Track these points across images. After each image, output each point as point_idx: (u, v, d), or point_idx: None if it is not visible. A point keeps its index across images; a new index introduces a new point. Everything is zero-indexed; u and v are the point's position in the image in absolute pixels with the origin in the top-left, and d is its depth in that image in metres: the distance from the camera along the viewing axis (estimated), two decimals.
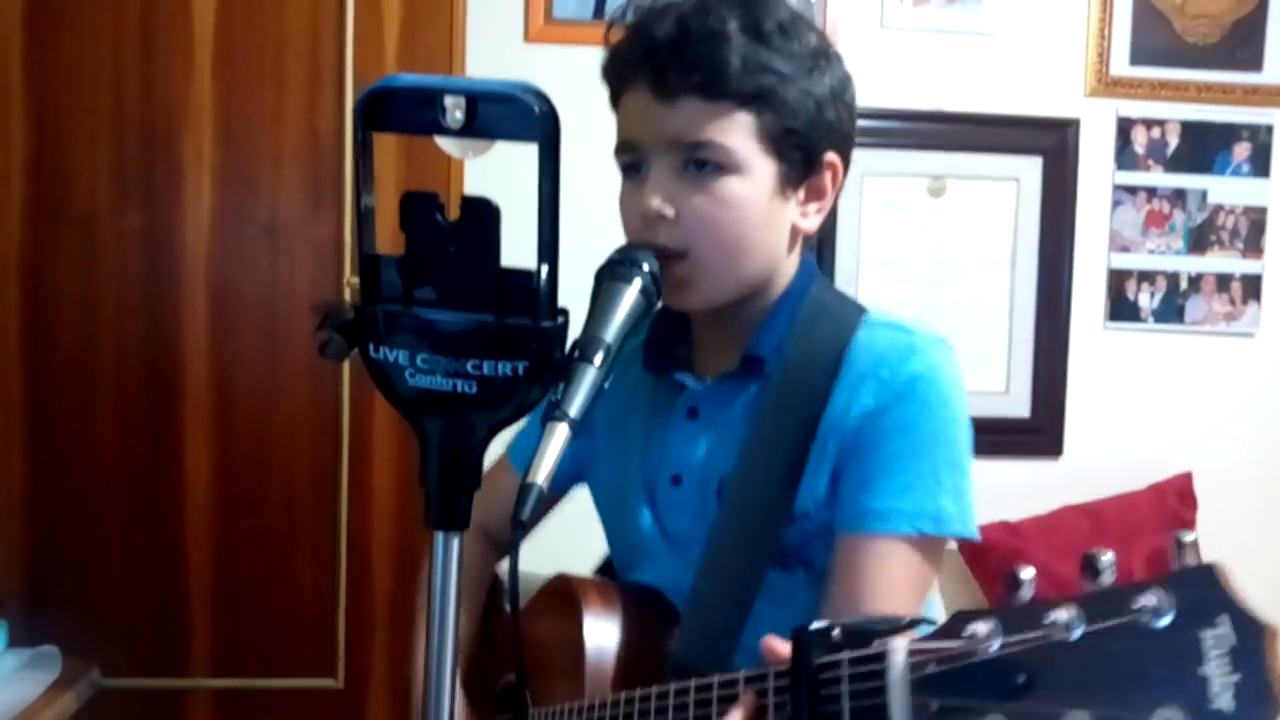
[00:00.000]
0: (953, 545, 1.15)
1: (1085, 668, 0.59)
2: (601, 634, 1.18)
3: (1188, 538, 0.59)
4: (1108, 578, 0.59)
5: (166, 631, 2.66)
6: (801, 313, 1.20)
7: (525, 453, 1.34)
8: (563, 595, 1.23)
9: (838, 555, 1.14)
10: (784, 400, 1.17)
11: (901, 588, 1.12)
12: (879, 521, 1.12)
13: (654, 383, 1.28)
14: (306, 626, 2.71)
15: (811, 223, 1.21)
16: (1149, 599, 0.57)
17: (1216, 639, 0.55)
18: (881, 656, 0.71)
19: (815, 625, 0.79)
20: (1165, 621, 0.57)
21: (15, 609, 2.50)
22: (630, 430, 1.30)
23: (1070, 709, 0.58)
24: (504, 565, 1.42)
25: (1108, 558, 0.60)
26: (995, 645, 0.63)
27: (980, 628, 0.64)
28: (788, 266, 1.22)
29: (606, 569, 1.50)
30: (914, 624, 0.74)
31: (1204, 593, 0.57)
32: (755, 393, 1.20)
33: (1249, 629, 0.55)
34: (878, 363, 1.15)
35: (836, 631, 0.77)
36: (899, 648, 0.70)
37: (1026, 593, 0.62)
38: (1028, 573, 0.62)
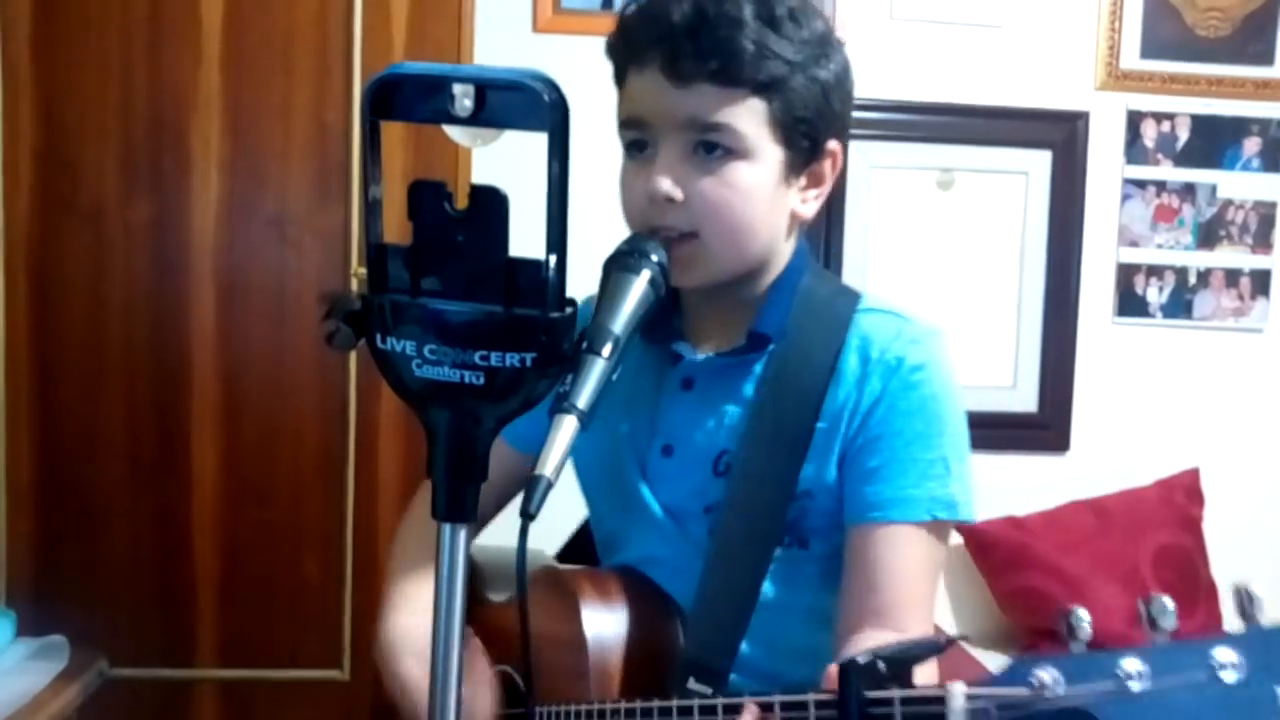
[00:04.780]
0: (958, 539, 1.20)
1: (1150, 718, 0.59)
2: (601, 629, 1.17)
3: (1253, 590, 0.60)
4: (1167, 624, 0.59)
5: (173, 622, 2.67)
6: (800, 296, 1.22)
7: (516, 426, 1.33)
8: (555, 588, 1.22)
9: (854, 545, 1.16)
10: (787, 380, 1.18)
11: (920, 574, 1.16)
12: (896, 509, 1.15)
13: (642, 351, 1.27)
14: (312, 618, 2.71)
15: (810, 209, 1.22)
16: (1222, 654, 0.58)
17: None
18: (940, 700, 0.71)
19: (859, 657, 0.78)
20: (1237, 677, 0.57)
21: (23, 599, 2.51)
22: (615, 398, 1.29)
23: None
24: (482, 551, 1.40)
25: (1167, 604, 0.60)
26: (1060, 692, 0.63)
27: (1045, 675, 0.64)
28: (785, 249, 1.23)
29: (576, 546, 1.49)
30: (950, 643, 0.74)
31: (1276, 650, 0.57)
32: (758, 372, 1.21)
33: None
34: (883, 349, 1.18)
35: (881, 664, 0.76)
36: (957, 693, 0.70)
37: (1084, 635, 0.62)
38: (1083, 615, 0.62)
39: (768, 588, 1.18)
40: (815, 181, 1.21)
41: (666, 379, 1.25)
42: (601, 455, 1.31)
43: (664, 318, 1.26)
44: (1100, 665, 0.61)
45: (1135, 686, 0.60)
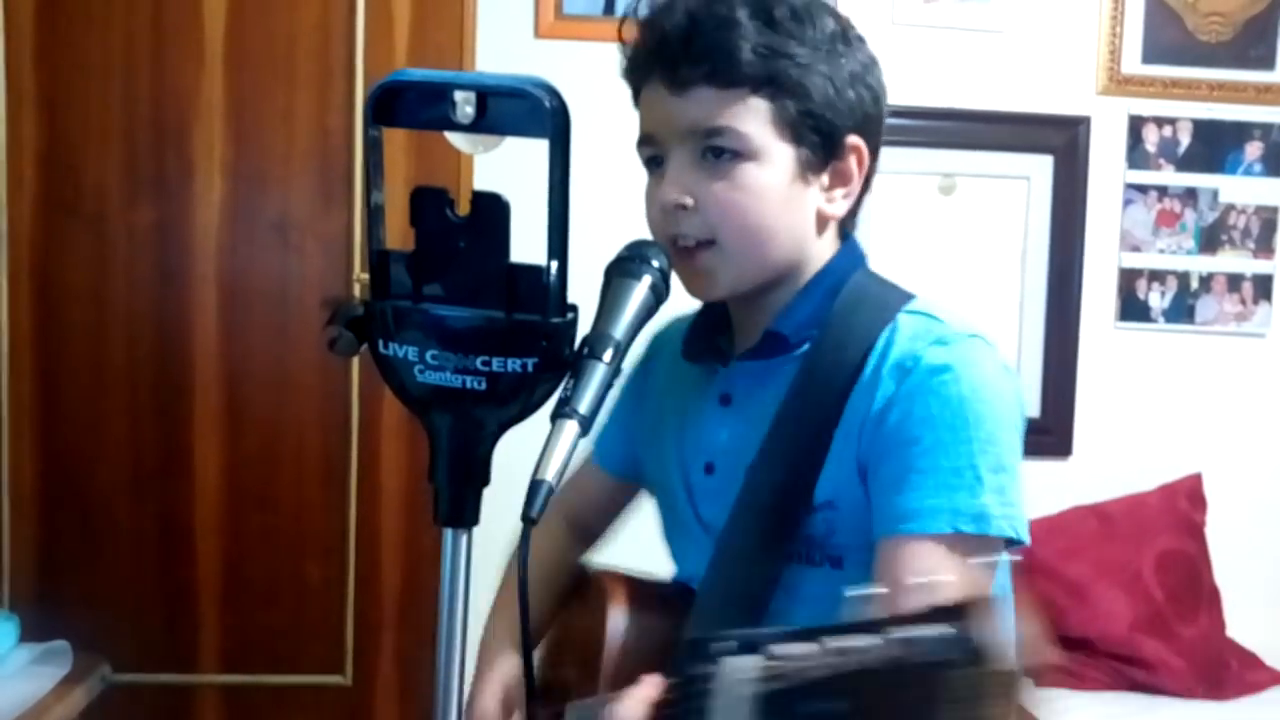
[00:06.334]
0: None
1: (888, 699, 0.58)
2: (621, 630, 1.18)
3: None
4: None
5: (176, 627, 2.67)
6: (842, 298, 1.19)
7: (604, 446, 1.40)
8: (597, 591, 1.24)
9: (876, 559, 1.10)
10: (812, 384, 1.15)
11: (942, 594, 1.06)
12: (914, 521, 1.08)
13: (692, 371, 1.28)
14: (315, 623, 2.71)
15: (838, 207, 1.19)
16: (933, 630, 0.57)
17: (966, 679, 0.55)
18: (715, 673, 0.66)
19: (728, 632, 0.74)
20: (936, 658, 0.56)
21: (26, 604, 2.51)
22: (668, 419, 1.30)
23: None
24: (593, 559, 1.43)
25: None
26: (823, 666, 0.60)
27: (797, 648, 0.61)
28: (819, 251, 1.21)
29: None
30: (811, 633, 0.67)
31: (971, 632, 0.56)
32: (789, 378, 1.18)
33: (995, 672, 0.54)
34: (902, 350, 1.13)
35: (734, 641, 0.71)
36: (740, 665, 0.65)
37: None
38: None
39: (796, 608, 1.12)
40: (841, 180, 1.19)
41: (707, 396, 1.25)
42: (658, 475, 1.32)
43: (710, 339, 1.25)
44: (861, 634, 0.59)
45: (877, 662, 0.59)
